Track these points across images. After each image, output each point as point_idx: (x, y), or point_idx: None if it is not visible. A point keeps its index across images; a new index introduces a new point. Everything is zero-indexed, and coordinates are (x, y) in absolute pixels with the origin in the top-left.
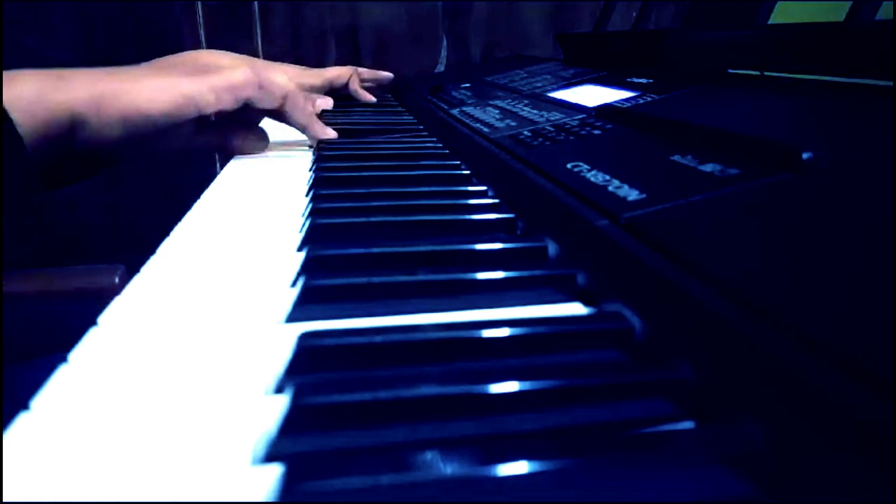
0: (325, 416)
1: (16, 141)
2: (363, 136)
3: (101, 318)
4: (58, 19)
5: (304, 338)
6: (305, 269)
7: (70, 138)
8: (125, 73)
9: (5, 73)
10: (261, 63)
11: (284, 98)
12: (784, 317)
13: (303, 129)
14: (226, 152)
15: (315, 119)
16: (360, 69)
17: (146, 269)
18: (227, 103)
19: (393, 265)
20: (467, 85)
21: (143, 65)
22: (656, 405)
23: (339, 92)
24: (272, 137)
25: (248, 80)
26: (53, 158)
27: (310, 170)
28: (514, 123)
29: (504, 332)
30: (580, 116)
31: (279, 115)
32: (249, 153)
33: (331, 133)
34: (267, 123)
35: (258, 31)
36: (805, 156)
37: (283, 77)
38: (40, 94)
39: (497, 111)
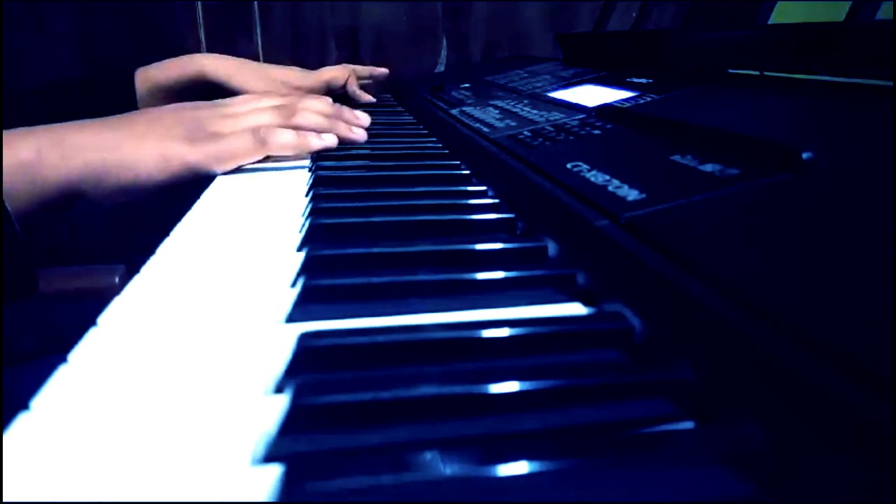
0: (324, 417)
1: (12, 239)
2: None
3: (101, 319)
4: (58, 19)
5: (304, 338)
6: (305, 269)
7: (66, 207)
8: (127, 135)
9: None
10: (256, 66)
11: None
12: (784, 317)
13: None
14: None
15: (321, 143)
16: (357, 67)
17: (146, 269)
18: (228, 168)
19: (393, 265)
20: (467, 85)
21: (146, 115)
22: (656, 405)
23: (337, 93)
24: None
25: (251, 150)
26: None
27: (310, 170)
28: (513, 123)
29: (504, 332)
30: (580, 116)
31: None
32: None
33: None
34: None
35: (258, 31)
36: (805, 156)
37: (288, 136)
38: (38, 163)
39: (497, 111)
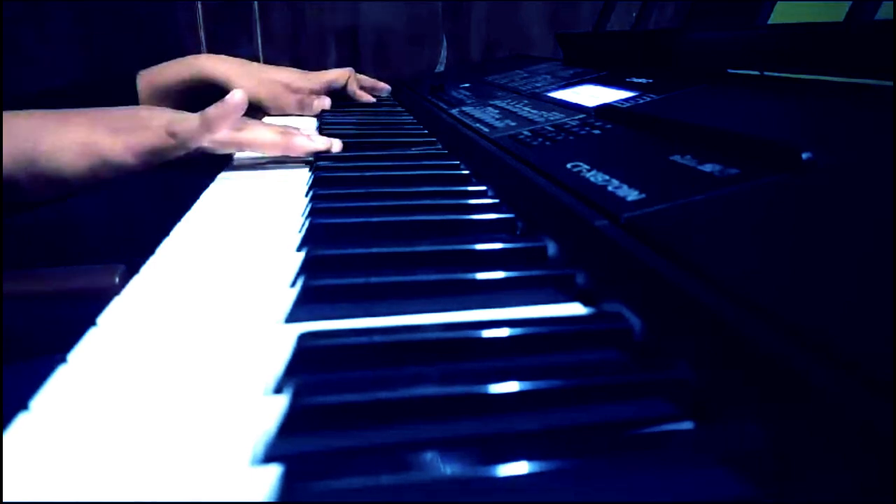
0: (324, 417)
1: None
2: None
3: (101, 319)
4: (58, 21)
5: (304, 338)
6: (305, 269)
7: (10, 195)
8: (58, 124)
9: None
10: (257, 68)
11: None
12: (784, 317)
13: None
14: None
15: (301, 147)
16: (361, 76)
17: (146, 269)
18: (150, 165)
19: (392, 265)
20: (467, 85)
21: (90, 112)
22: (656, 405)
23: (337, 93)
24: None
25: (166, 144)
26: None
27: (309, 170)
28: (513, 123)
29: (504, 332)
30: (580, 116)
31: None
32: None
33: (330, 144)
34: (268, 122)
35: (258, 31)
36: (805, 156)
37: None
38: None
39: (497, 111)
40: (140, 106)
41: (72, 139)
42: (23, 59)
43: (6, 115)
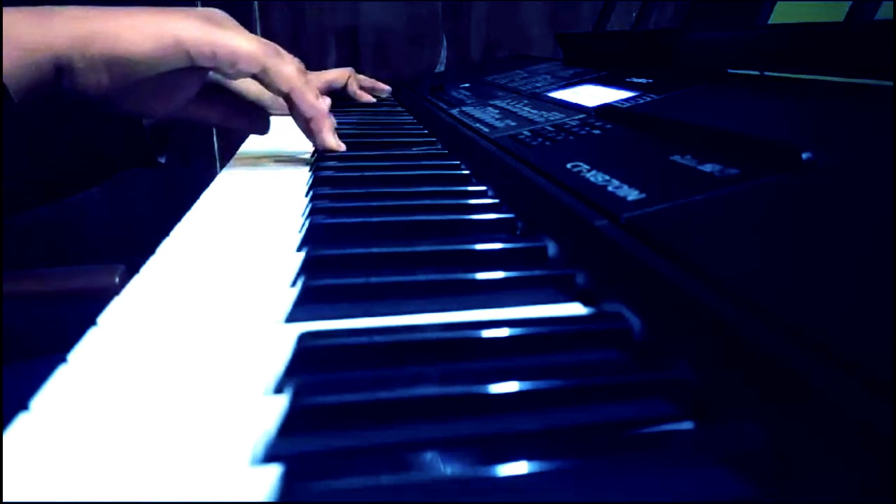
0: (324, 417)
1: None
2: (365, 142)
3: (101, 318)
4: None
5: (304, 338)
6: (305, 269)
7: (57, 83)
8: (115, 11)
9: None
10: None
11: (290, 91)
12: (784, 317)
13: (307, 133)
14: (227, 129)
15: (325, 125)
16: (361, 77)
17: (146, 269)
18: (224, 66)
19: (393, 265)
20: (467, 85)
21: (146, 8)
22: (656, 405)
23: (337, 93)
24: (272, 136)
25: (251, 54)
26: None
27: (309, 170)
28: (513, 123)
29: (504, 332)
30: (580, 116)
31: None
32: (251, 133)
33: (340, 146)
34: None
35: (258, 31)
36: (805, 156)
37: (291, 69)
38: (23, 34)
39: (497, 111)
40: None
41: (140, 18)
42: None
43: (52, 7)
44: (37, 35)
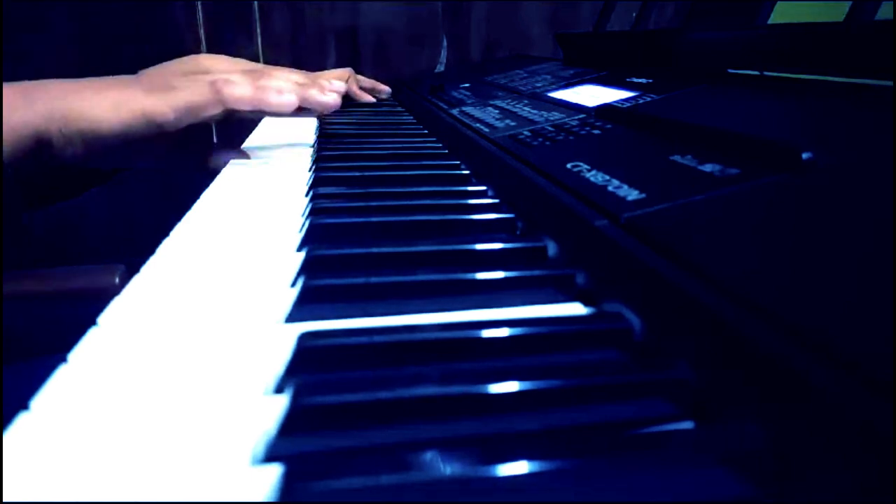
0: (324, 417)
1: None
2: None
3: (101, 318)
4: (58, 20)
5: (304, 338)
6: (305, 269)
7: (38, 154)
8: (89, 86)
9: None
10: (259, 69)
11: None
12: (784, 316)
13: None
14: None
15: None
16: (361, 77)
17: (146, 269)
18: (188, 121)
19: (393, 265)
20: (467, 85)
21: (120, 76)
22: (656, 405)
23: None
24: (272, 137)
25: (207, 101)
26: (36, 177)
27: (309, 170)
28: (513, 123)
29: (504, 332)
30: (580, 116)
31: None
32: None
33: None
34: (268, 122)
35: (258, 32)
36: (805, 156)
37: (249, 87)
38: (10, 113)
39: (497, 111)
40: (179, 60)
41: (107, 96)
42: (20, 57)
43: (34, 83)
44: (21, 113)
